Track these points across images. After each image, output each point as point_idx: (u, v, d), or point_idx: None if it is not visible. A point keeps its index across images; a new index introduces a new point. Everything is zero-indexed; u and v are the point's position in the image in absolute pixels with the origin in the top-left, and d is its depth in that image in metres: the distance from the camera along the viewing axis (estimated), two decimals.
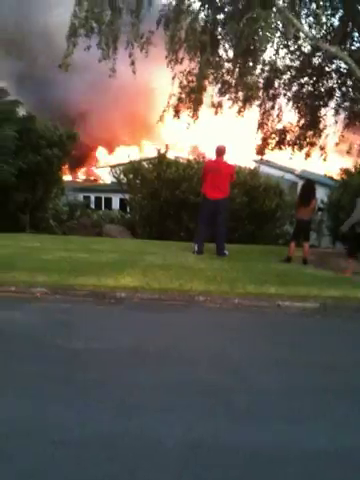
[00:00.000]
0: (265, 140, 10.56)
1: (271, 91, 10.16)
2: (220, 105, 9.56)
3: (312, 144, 10.67)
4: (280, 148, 10.70)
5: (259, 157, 12.09)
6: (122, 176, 17.21)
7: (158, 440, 2.78)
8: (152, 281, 6.72)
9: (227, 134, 19.01)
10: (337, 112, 10.46)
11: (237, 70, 8.54)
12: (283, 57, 9.93)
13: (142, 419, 3.04)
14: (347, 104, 10.33)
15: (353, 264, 8.23)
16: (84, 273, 6.92)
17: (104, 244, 10.66)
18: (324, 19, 9.14)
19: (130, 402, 3.26)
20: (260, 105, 10.25)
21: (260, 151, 10.81)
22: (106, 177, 30.04)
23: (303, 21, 9.06)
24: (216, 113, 9.68)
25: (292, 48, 9.78)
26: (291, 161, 12.02)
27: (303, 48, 9.60)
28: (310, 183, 9.41)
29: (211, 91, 9.34)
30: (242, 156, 17.59)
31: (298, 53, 9.88)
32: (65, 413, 3.09)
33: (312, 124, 10.47)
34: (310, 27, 9.22)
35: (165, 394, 3.42)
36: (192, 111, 9.07)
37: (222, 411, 3.20)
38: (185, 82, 8.86)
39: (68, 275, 6.77)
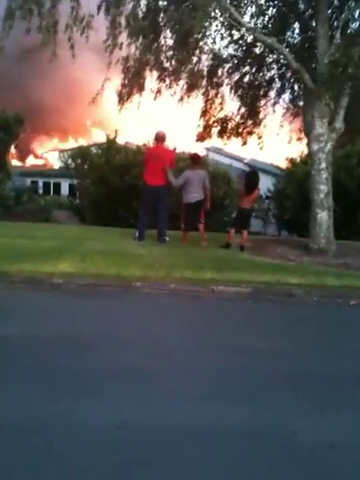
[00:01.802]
0: (206, 128, 10.69)
1: (214, 79, 10.27)
2: (159, 91, 9.61)
3: (250, 133, 10.89)
4: (222, 137, 10.87)
5: (210, 145, 12.22)
6: (70, 161, 16.98)
7: (83, 423, 2.81)
8: (90, 267, 6.73)
9: (179, 120, 19.00)
10: (276, 102, 10.72)
11: (175, 57, 8.59)
12: (226, 46, 10.04)
13: (69, 403, 3.05)
14: (286, 95, 10.63)
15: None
16: (21, 259, 6.83)
17: (46, 230, 10.55)
18: (265, 8, 9.29)
19: (59, 387, 3.28)
20: (204, 93, 10.36)
21: (201, 138, 10.93)
22: (55, 162, 29.53)
23: (247, 10, 9.16)
24: (155, 98, 9.73)
25: (235, 37, 9.88)
26: (240, 149, 12.26)
27: (246, 37, 9.71)
28: (254, 173, 9.68)
29: (152, 77, 9.36)
30: (192, 143, 17.67)
31: (241, 42, 10.00)
32: None
33: (252, 113, 10.68)
34: (252, 17, 9.32)
35: (95, 378, 3.45)
36: (131, 96, 9.10)
37: (151, 393, 3.25)
38: (126, 67, 8.82)
39: (4, 261, 6.66)
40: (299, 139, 11.05)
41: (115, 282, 6.26)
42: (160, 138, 9.40)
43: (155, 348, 4.17)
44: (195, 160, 9.59)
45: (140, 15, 8.80)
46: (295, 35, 9.88)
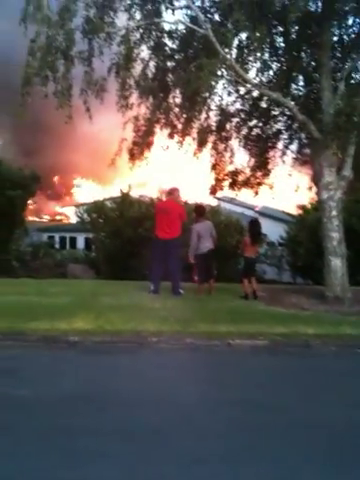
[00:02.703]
0: (218, 181, 10.91)
1: (223, 134, 10.55)
2: (168, 148, 9.92)
3: (260, 183, 11.07)
4: (232, 188, 11.06)
5: (221, 194, 12.40)
6: (86, 215, 17.30)
7: None
8: (105, 323, 6.74)
9: (190, 172, 19.34)
10: (284, 153, 10.93)
11: (184, 115, 8.90)
12: (233, 101, 10.37)
13: (85, 466, 3.03)
14: (294, 146, 10.86)
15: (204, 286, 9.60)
16: (36, 317, 6.88)
17: (60, 286, 10.60)
18: (270, 64, 9.63)
19: (74, 449, 3.24)
20: (213, 147, 10.62)
21: (213, 191, 11.15)
22: (71, 217, 30.10)
23: (252, 66, 9.48)
24: (165, 155, 10.09)
25: (242, 92, 10.21)
26: (251, 198, 12.42)
27: (252, 92, 10.02)
28: (257, 222, 9.99)
29: (162, 134, 9.68)
30: (204, 193, 17.95)
31: (247, 97, 10.33)
32: (6, 463, 3.06)
33: (261, 165, 10.89)
34: (257, 72, 9.65)
35: (111, 440, 3.41)
36: (143, 154, 9.38)
37: (167, 455, 3.21)
38: (137, 126, 9.13)
39: (19, 320, 6.72)
40: (310, 188, 11.13)
41: (130, 338, 6.26)
42: (172, 193, 9.73)
43: (171, 406, 4.12)
44: (200, 212, 9.98)
45: (149, 76, 9.20)
46: (300, 87, 10.18)
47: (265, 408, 4.10)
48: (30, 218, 23.32)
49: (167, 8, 8.62)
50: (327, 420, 3.86)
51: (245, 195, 12.07)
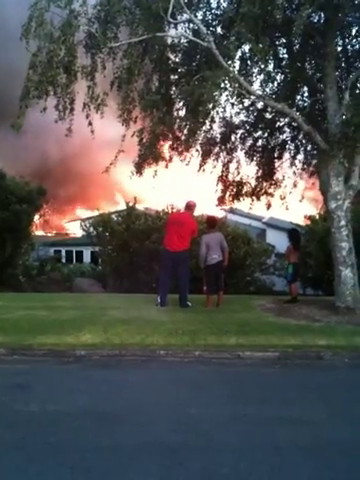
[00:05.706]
0: (224, 192, 10.89)
1: (228, 145, 10.55)
2: (171, 159, 9.97)
3: (269, 194, 11.05)
4: (238, 199, 11.03)
5: (227, 206, 12.37)
6: (92, 229, 17.31)
7: None
8: (113, 337, 6.72)
9: (197, 184, 19.37)
10: (291, 164, 10.92)
11: (187, 127, 8.89)
12: (238, 113, 10.38)
13: None
14: (301, 156, 10.83)
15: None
16: (43, 332, 6.89)
17: (67, 300, 10.57)
18: (274, 75, 9.63)
19: (83, 466, 3.20)
20: (217, 159, 10.62)
21: (220, 202, 11.13)
22: (77, 231, 30.11)
23: (256, 78, 9.50)
24: (166, 166, 10.06)
25: (246, 104, 10.22)
26: (258, 209, 12.38)
27: (256, 104, 10.03)
28: (298, 231, 10.79)
29: (166, 147, 9.70)
30: (210, 205, 17.90)
31: (252, 109, 10.33)
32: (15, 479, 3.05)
33: (268, 175, 10.87)
34: (262, 84, 9.65)
35: (119, 457, 3.36)
36: (148, 166, 9.39)
37: (178, 473, 3.14)
38: (143, 139, 9.12)
39: (27, 334, 6.74)
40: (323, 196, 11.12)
41: (138, 351, 6.23)
42: (189, 207, 9.75)
43: (182, 422, 4.06)
44: (211, 224, 10.00)
45: (153, 89, 9.22)
46: (305, 98, 10.17)
47: (282, 423, 4.02)
48: (37, 233, 23.31)
49: (169, 23, 8.63)
50: (348, 437, 3.77)
51: (255, 207, 12.04)
